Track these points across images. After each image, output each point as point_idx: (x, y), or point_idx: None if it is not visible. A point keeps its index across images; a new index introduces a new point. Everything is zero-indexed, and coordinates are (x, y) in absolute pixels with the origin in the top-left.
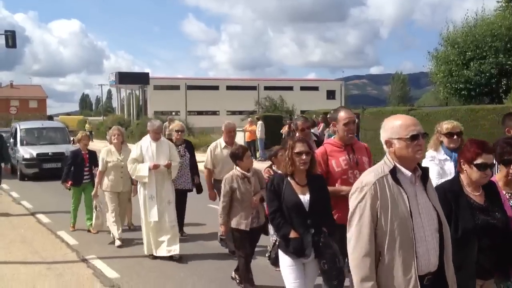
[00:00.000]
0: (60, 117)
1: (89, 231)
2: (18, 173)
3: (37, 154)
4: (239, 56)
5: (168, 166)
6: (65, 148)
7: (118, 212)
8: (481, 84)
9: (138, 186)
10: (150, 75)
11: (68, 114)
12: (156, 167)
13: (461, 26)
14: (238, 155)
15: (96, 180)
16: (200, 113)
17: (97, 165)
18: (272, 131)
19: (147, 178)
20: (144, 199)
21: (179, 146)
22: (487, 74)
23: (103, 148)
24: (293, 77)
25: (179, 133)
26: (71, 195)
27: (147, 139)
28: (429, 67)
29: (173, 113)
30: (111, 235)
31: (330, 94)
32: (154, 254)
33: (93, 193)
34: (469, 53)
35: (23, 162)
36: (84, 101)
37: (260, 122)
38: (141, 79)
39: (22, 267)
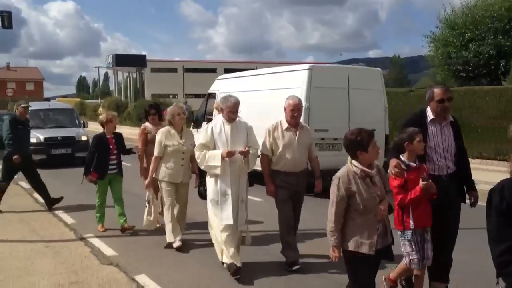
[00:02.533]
0: (57, 100)
1: (123, 230)
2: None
3: (45, 139)
4: (236, 38)
5: (246, 154)
6: (75, 132)
7: (174, 208)
8: (480, 65)
9: (208, 179)
10: (147, 58)
11: (64, 96)
12: (230, 154)
13: (461, 7)
14: (361, 143)
15: (151, 166)
16: (198, 96)
17: (125, 151)
18: None
19: (219, 168)
20: (215, 196)
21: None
22: (486, 56)
23: (160, 130)
24: (291, 60)
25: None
26: (96, 189)
27: (219, 120)
28: (428, 49)
29: (171, 96)
30: (168, 236)
31: None
32: (227, 262)
33: (146, 182)
34: (468, 34)
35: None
36: (81, 83)
37: None
38: (138, 61)
39: (20, 245)
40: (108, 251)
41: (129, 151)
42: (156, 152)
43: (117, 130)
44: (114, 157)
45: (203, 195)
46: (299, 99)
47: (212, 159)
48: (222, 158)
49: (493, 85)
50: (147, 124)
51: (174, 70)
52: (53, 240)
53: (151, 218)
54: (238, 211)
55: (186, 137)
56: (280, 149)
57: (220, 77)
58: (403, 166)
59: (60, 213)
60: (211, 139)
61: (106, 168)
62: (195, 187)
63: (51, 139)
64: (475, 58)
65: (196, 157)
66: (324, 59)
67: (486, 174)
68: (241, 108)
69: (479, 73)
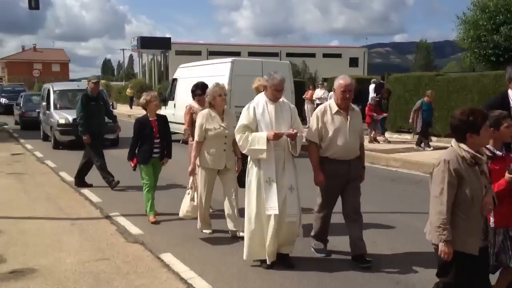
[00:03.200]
0: (82, 81)
1: (155, 222)
2: (52, 140)
3: (74, 120)
4: (261, 22)
5: (293, 136)
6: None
7: (209, 198)
8: (511, 49)
9: (249, 164)
10: (172, 41)
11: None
12: (277, 136)
13: None
14: (473, 124)
15: (193, 152)
16: None
17: (169, 135)
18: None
19: (265, 153)
20: (258, 184)
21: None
22: None
23: (200, 112)
24: (315, 44)
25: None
26: (141, 176)
27: (261, 99)
28: (458, 32)
29: None
30: (241, 233)
31: (353, 62)
32: (268, 261)
33: (190, 169)
34: (500, 18)
35: (58, 128)
36: (106, 65)
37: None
38: (162, 44)
39: (47, 222)
40: (133, 229)
41: (169, 143)
42: (196, 136)
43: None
44: (157, 140)
45: (243, 181)
46: (351, 79)
47: (256, 142)
48: (268, 140)
49: None
50: (193, 103)
51: (198, 53)
52: (80, 218)
53: (194, 203)
54: (287, 199)
55: (228, 120)
56: (330, 134)
57: (181, 65)
58: (488, 153)
59: (86, 192)
60: (254, 120)
61: (150, 152)
62: (237, 172)
63: None
64: (506, 42)
65: (237, 139)
66: (350, 43)
67: None
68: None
69: (509, 57)
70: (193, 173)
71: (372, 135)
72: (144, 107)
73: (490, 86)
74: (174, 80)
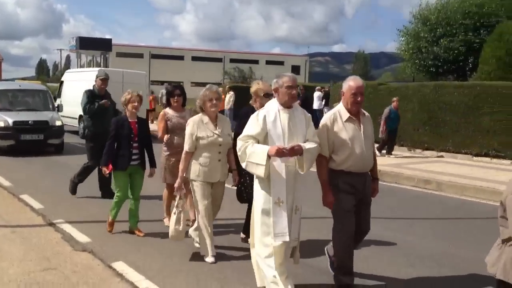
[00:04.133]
0: (15, 81)
1: (131, 232)
2: None
3: (14, 123)
4: (204, 27)
5: (296, 152)
6: (49, 117)
7: (211, 214)
8: (449, 61)
9: (255, 182)
10: (113, 42)
11: (23, 79)
12: (280, 153)
13: (434, 3)
14: None
15: (182, 164)
16: (163, 82)
17: (150, 142)
18: (240, 102)
19: (263, 169)
20: (266, 205)
21: None
22: (456, 52)
23: (190, 119)
24: (258, 51)
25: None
26: (115, 185)
27: (273, 106)
28: (400, 44)
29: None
30: (196, 244)
31: (295, 70)
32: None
33: (176, 184)
34: (440, 30)
35: None
36: (41, 66)
37: (231, 93)
38: (103, 45)
39: None
40: (80, 237)
41: (149, 146)
42: (186, 146)
43: None
44: (136, 145)
45: (243, 197)
46: (362, 81)
47: (255, 155)
48: (268, 156)
49: (459, 80)
50: (167, 109)
51: (140, 55)
52: (20, 225)
53: (180, 228)
54: (291, 222)
55: (222, 126)
56: (345, 144)
57: (68, 70)
58: None
59: (26, 198)
60: (262, 130)
61: (128, 158)
62: (234, 186)
63: (21, 123)
64: (445, 53)
65: (237, 147)
66: (292, 51)
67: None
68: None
69: (448, 68)
70: (180, 188)
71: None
72: (125, 105)
73: (430, 96)
74: (61, 83)
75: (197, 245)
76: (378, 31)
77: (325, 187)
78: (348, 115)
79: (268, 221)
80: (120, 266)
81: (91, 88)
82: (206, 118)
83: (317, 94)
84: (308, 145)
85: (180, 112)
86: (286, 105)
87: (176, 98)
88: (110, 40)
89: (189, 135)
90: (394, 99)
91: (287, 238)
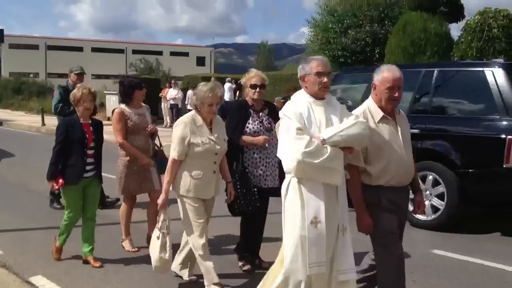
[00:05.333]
0: None
1: (85, 261)
2: None
3: None
4: (101, 16)
5: (352, 151)
6: None
7: (207, 237)
8: (357, 52)
9: (286, 196)
10: (5, 33)
11: None
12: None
13: None
14: None
15: (167, 175)
16: (61, 75)
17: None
18: (148, 94)
19: (339, 177)
20: (301, 227)
21: (260, 113)
22: (363, 42)
23: (180, 120)
24: (160, 41)
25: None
26: (65, 204)
27: (302, 97)
28: (308, 35)
29: (31, 75)
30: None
31: (200, 61)
32: None
33: (160, 201)
34: (347, 21)
35: None
36: None
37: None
38: None
39: None
40: None
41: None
42: (175, 153)
43: None
44: (91, 152)
45: (235, 208)
46: (400, 71)
47: (329, 159)
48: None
49: None
50: (123, 106)
51: (35, 47)
52: None
53: (167, 256)
54: (337, 247)
55: (218, 130)
56: (382, 152)
57: None
58: None
59: None
60: (304, 126)
61: (81, 168)
62: (228, 201)
63: None
64: (353, 44)
65: (302, 147)
66: (195, 43)
67: None
68: None
69: (356, 59)
70: (165, 206)
71: None
72: (76, 104)
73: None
74: None
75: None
76: (279, 22)
77: (359, 207)
78: (381, 114)
79: (303, 246)
80: (39, 280)
81: (65, 84)
82: (199, 120)
83: (227, 86)
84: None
85: (139, 108)
86: (318, 97)
87: (141, 90)
88: (1, 30)
89: (179, 139)
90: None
91: (323, 270)
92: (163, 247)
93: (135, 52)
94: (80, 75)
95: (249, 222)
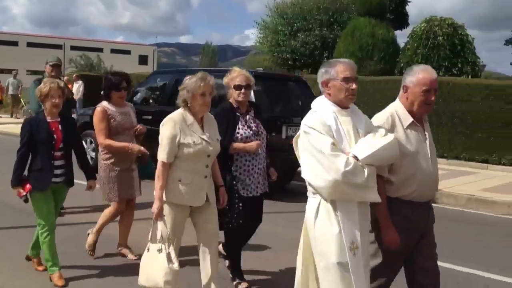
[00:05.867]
0: None
1: (28, 258)
2: None
3: None
4: (38, 10)
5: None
6: None
7: (177, 250)
8: (306, 55)
9: (312, 221)
10: None
11: None
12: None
13: None
14: None
15: (158, 181)
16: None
17: (81, 146)
18: (89, 92)
19: (374, 194)
20: (340, 255)
21: (247, 116)
22: (312, 46)
23: (168, 117)
24: (101, 38)
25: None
26: (34, 212)
27: (326, 106)
28: (258, 37)
29: None
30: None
31: (143, 60)
32: None
33: (156, 209)
34: (297, 24)
35: None
36: None
37: (80, 82)
38: None
39: None
40: None
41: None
42: (164, 155)
43: None
44: (59, 154)
45: (221, 222)
46: (435, 72)
47: (368, 177)
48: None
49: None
50: (105, 104)
51: None
52: None
53: (176, 266)
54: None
55: (210, 129)
56: (407, 161)
57: None
58: None
59: None
60: (336, 141)
61: (49, 173)
62: (219, 207)
63: None
64: (302, 47)
65: (342, 167)
66: (137, 41)
67: None
68: None
69: (305, 62)
70: (161, 214)
71: None
72: (43, 100)
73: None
74: None
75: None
76: (224, 23)
77: (385, 219)
78: (411, 119)
79: (343, 278)
80: None
81: (42, 76)
82: (190, 118)
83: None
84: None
85: (123, 107)
86: (344, 105)
87: (121, 91)
88: None
89: (169, 139)
90: None
91: None
92: (169, 258)
93: (73, 48)
94: (56, 67)
95: (236, 239)
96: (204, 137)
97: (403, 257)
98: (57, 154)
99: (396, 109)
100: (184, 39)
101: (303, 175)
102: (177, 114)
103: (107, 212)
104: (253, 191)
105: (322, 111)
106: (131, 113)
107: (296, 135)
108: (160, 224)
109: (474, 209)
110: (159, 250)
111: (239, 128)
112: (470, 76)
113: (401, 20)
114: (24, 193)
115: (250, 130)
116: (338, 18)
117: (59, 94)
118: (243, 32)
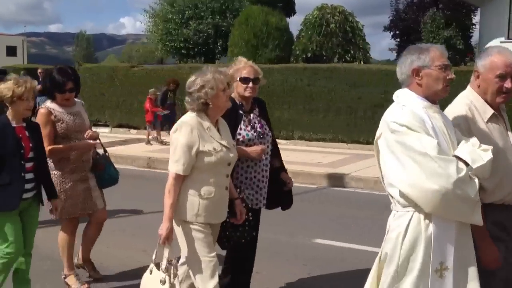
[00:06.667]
0: None
1: None
2: None
3: None
4: None
5: None
6: None
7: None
8: (199, 43)
9: (401, 238)
10: None
11: None
12: None
13: None
14: None
15: (168, 198)
16: None
17: (45, 157)
18: None
19: (479, 212)
20: (422, 272)
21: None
22: (205, 34)
23: (183, 121)
24: None
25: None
26: None
27: (416, 106)
28: (147, 26)
29: None
30: None
31: (11, 51)
32: None
33: (165, 231)
34: (188, 12)
35: None
36: None
37: None
38: None
39: None
40: None
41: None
42: (180, 166)
43: None
44: (30, 165)
45: (224, 240)
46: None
47: (477, 189)
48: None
49: (209, 62)
50: (50, 104)
51: None
52: None
53: None
54: None
55: (225, 134)
56: (496, 161)
57: None
58: None
59: None
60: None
61: (18, 189)
62: (237, 222)
63: None
64: (195, 36)
65: (455, 173)
66: (3, 31)
67: None
68: None
69: (199, 51)
70: (170, 238)
71: (154, 136)
72: (9, 103)
73: (187, 77)
74: None
75: None
76: (97, 11)
77: (482, 234)
78: (491, 111)
79: None
80: None
81: None
82: (207, 122)
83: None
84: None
85: (71, 107)
86: (437, 98)
87: (66, 92)
88: None
89: (185, 148)
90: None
91: None
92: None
93: None
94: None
95: (240, 256)
96: (224, 142)
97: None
98: (27, 166)
99: (472, 99)
100: (54, 28)
101: (390, 184)
102: (191, 117)
103: (59, 242)
104: (259, 203)
105: (411, 106)
106: (82, 112)
107: (377, 136)
108: (166, 251)
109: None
110: (162, 282)
111: (241, 129)
112: (362, 62)
113: (289, 8)
114: None
115: (254, 132)
116: (230, 6)
117: (33, 95)
118: (118, 20)
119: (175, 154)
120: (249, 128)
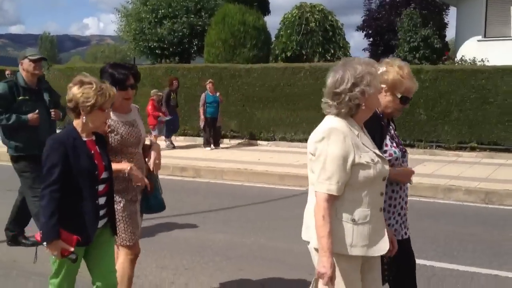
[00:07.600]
0: None
1: None
2: None
3: None
4: None
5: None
6: None
7: None
8: (174, 43)
9: None
10: None
11: None
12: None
13: None
14: None
15: (321, 228)
16: None
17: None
18: None
19: None
20: None
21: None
22: (180, 34)
23: (329, 128)
24: None
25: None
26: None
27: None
28: (120, 25)
29: None
30: None
31: None
32: None
33: (327, 269)
34: (162, 11)
35: None
36: None
37: None
38: None
39: None
40: None
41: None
42: (334, 185)
43: None
44: (102, 187)
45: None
46: None
47: None
48: None
49: (185, 62)
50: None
51: None
52: None
53: None
54: None
55: (372, 142)
56: None
57: None
58: None
59: None
60: None
61: (93, 216)
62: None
63: None
64: (170, 36)
65: None
66: None
67: None
68: None
69: (173, 51)
70: (333, 278)
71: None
72: (78, 111)
73: (163, 78)
74: None
75: None
76: (59, 12)
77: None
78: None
79: None
80: None
81: (15, 76)
82: (356, 127)
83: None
84: None
85: (127, 113)
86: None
87: (129, 90)
88: None
89: (340, 161)
90: (208, 82)
91: None
92: None
93: None
94: (37, 61)
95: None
96: (378, 152)
97: None
98: (100, 190)
99: None
100: (15, 29)
101: None
102: (339, 122)
103: (120, 267)
104: (401, 232)
105: None
106: (137, 120)
107: None
108: None
109: None
110: None
111: (386, 145)
112: None
113: (263, 8)
114: (71, 248)
115: (400, 150)
116: (205, 4)
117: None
118: (81, 21)
119: (325, 170)
120: (394, 144)
